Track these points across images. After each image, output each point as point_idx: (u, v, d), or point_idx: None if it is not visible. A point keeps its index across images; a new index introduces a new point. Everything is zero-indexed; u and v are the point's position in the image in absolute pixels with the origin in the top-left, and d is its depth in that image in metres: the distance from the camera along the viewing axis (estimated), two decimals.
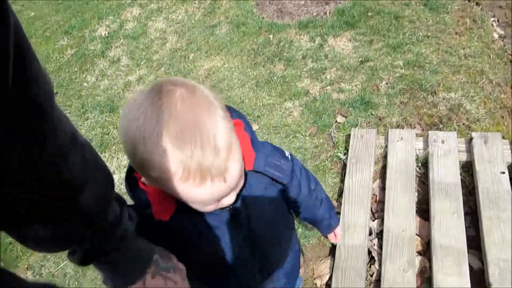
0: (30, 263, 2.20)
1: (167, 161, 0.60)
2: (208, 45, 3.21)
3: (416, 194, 1.95)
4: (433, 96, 2.41)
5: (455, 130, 2.21)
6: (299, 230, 1.97)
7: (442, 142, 2.00)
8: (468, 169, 1.97)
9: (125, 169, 1.02)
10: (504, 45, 2.81)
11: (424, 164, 2.04)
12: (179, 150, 0.60)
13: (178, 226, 0.80)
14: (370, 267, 1.79)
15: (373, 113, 2.41)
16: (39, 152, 0.46)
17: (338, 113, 2.47)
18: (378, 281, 1.68)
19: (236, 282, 0.95)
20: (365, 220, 1.81)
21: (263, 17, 3.31)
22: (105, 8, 3.98)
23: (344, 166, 2.12)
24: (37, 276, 2.11)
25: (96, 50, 3.49)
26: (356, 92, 2.54)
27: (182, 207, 0.73)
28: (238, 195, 0.77)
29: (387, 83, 2.55)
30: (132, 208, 0.74)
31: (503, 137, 1.99)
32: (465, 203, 1.81)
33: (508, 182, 1.77)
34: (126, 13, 3.84)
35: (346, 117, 2.44)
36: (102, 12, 3.93)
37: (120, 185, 1.96)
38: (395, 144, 2.06)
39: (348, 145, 2.15)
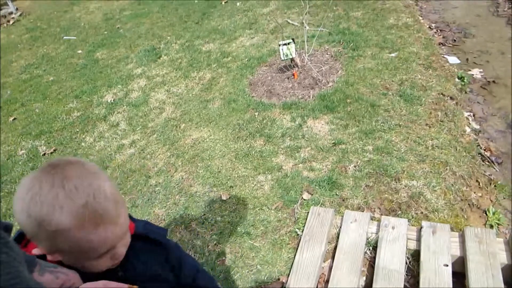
0: None
1: (63, 213, 0.69)
2: (199, 117, 3.46)
3: (364, 278, 1.97)
4: (396, 182, 2.50)
5: (412, 217, 2.26)
6: None
7: (393, 228, 2.05)
8: (417, 258, 1.99)
9: None
10: (477, 140, 2.95)
11: (374, 248, 2.08)
12: (73, 202, 0.69)
13: None
14: None
15: (337, 193, 2.50)
16: None
17: (305, 190, 2.57)
18: None
19: None
20: None
21: (253, 96, 3.59)
22: (116, 77, 4.39)
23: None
24: None
25: (100, 114, 3.81)
26: (325, 172, 2.67)
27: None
28: (125, 260, 0.85)
29: (355, 166, 2.67)
30: None
31: (452, 229, 2.04)
32: None
33: (450, 275, 1.79)
34: (133, 84, 4.23)
35: (312, 194, 2.54)
36: (112, 81, 4.33)
37: None
38: (348, 225, 2.13)
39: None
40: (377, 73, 3.51)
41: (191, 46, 4.75)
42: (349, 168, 2.66)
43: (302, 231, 2.23)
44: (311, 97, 3.40)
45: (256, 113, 3.34)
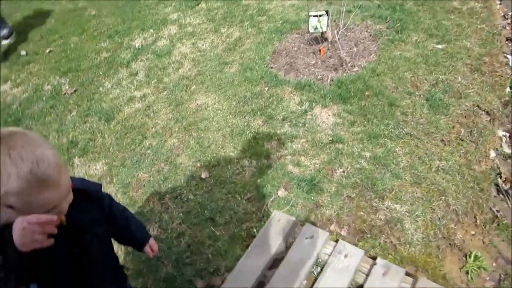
0: None
1: (11, 179, 0.82)
2: (211, 81, 3.36)
3: None
4: (379, 201, 2.29)
5: (379, 245, 2.10)
6: None
7: (345, 256, 1.92)
8: None
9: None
10: (499, 167, 2.55)
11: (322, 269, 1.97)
12: (18, 169, 0.82)
13: None
14: None
15: (314, 197, 2.36)
16: None
17: (283, 186, 2.46)
18: None
19: None
20: None
21: (271, 67, 3.37)
22: (151, 21, 4.34)
23: None
24: None
25: (124, 60, 3.84)
26: (311, 171, 2.51)
27: None
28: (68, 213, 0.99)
29: (344, 172, 2.47)
30: None
31: (408, 274, 1.85)
32: None
33: None
34: (165, 30, 4.16)
35: (288, 192, 2.43)
36: (146, 24, 4.29)
37: None
38: (302, 239, 2.03)
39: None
40: (412, 65, 3.08)
41: None
42: (336, 173, 2.48)
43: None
44: (328, 80, 3.11)
45: (266, 88, 3.16)
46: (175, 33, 4.08)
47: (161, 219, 2.43)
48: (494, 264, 2.12)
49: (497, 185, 2.47)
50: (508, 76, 3.02)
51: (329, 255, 1.97)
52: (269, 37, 3.71)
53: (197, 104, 3.17)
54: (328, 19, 3.19)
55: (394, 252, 2.07)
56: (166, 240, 2.31)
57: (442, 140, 2.56)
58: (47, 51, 4.20)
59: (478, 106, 2.76)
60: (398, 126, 2.67)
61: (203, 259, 2.19)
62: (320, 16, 3.19)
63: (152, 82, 3.52)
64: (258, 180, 2.52)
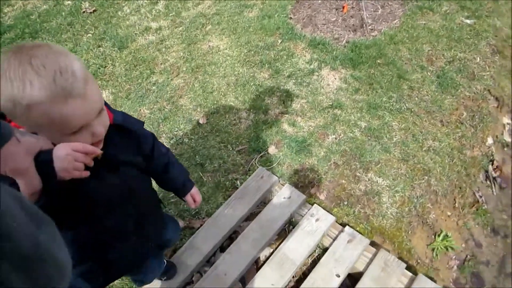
0: None
1: (33, 88, 0.74)
2: (227, 24, 3.31)
3: (269, 252, 2.07)
4: (363, 172, 2.36)
5: (353, 213, 2.20)
6: None
7: (316, 220, 2.04)
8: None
9: None
10: (493, 154, 2.55)
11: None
12: (41, 78, 0.74)
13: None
14: None
15: (301, 159, 2.44)
16: None
17: (274, 144, 2.54)
18: None
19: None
20: (213, 248, 1.99)
21: (290, 18, 3.28)
22: None
23: None
24: None
25: None
26: (304, 132, 2.56)
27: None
28: (106, 144, 0.94)
29: (336, 138, 2.52)
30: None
31: (373, 244, 1.97)
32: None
33: (336, 286, 1.81)
34: None
35: (278, 150, 2.51)
36: None
37: None
38: (280, 198, 2.14)
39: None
40: (433, 38, 2.95)
41: None
42: (328, 138, 2.52)
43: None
44: (344, 41, 3.03)
45: (280, 40, 3.11)
46: None
47: None
48: (463, 245, 2.22)
49: (486, 171, 2.49)
50: None
51: (303, 217, 2.09)
52: None
53: (209, 46, 3.17)
54: None
55: (366, 222, 2.18)
56: None
57: (441, 121, 2.54)
58: None
59: (488, 90, 2.68)
60: (401, 100, 2.64)
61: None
62: None
63: (170, 15, 3.49)
64: (252, 134, 2.59)
